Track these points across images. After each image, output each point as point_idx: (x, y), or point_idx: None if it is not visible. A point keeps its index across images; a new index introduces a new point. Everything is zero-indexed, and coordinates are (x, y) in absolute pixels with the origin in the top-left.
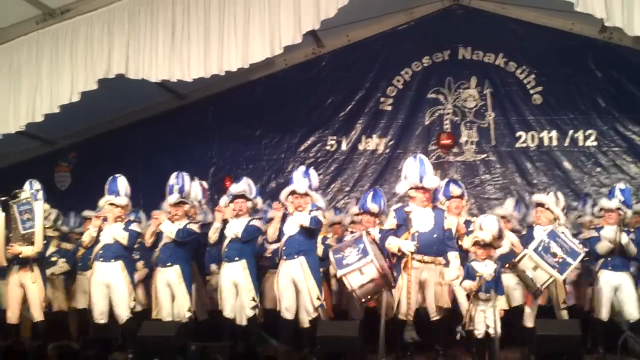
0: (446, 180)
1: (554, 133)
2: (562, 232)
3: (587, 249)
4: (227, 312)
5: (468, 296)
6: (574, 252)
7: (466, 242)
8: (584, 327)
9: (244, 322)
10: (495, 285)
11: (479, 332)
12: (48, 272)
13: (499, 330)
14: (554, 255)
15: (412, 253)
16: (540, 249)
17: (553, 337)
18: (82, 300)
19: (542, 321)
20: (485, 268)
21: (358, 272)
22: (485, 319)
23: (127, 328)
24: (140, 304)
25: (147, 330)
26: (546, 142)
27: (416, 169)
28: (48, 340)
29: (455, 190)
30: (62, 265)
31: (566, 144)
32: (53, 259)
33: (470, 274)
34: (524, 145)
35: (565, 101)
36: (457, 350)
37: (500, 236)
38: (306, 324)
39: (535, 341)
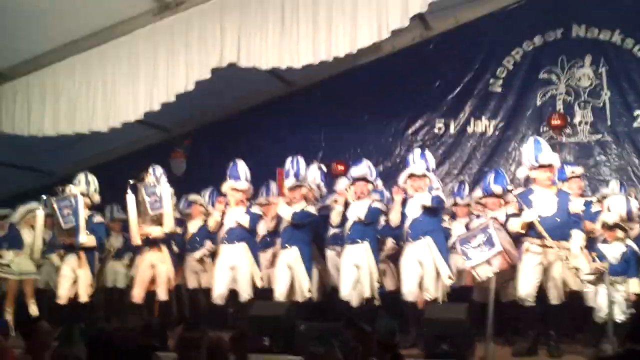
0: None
1: None
2: None
3: None
4: (344, 295)
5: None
6: None
7: (596, 224)
8: None
9: (360, 303)
10: (624, 268)
11: (601, 317)
12: None
13: (612, 314)
14: None
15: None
16: None
17: None
18: (192, 280)
19: None
20: (612, 251)
21: (486, 263)
22: (612, 304)
23: (244, 307)
24: None
25: (258, 310)
26: None
27: (531, 150)
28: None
29: (576, 170)
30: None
31: None
32: None
33: (599, 257)
34: None
35: None
36: (572, 336)
37: (630, 218)
38: (420, 306)
39: None
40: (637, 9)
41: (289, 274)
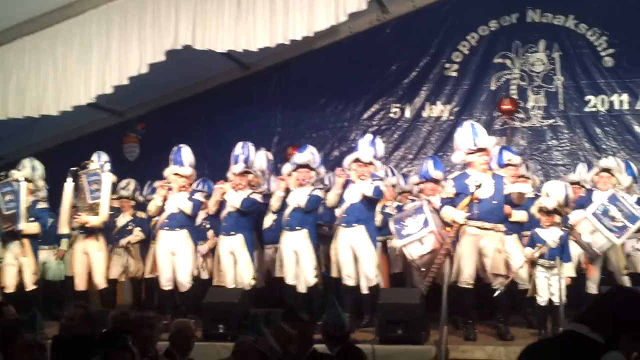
0: (498, 147)
1: (625, 96)
2: (622, 197)
3: None
4: (290, 280)
5: (533, 263)
6: (634, 216)
7: (532, 209)
8: None
9: (304, 290)
10: (560, 253)
11: (542, 300)
12: (124, 241)
13: (563, 298)
14: (613, 219)
15: (461, 225)
16: (599, 212)
17: None
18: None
19: (605, 288)
20: (550, 235)
21: (418, 242)
22: (550, 287)
23: (189, 295)
24: (209, 272)
25: (212, 297)
26: (617, 106)
27: (468, 134)
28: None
29: (513, 158)
30: (137, 234)
31: (637, 108)
32: (129, 228)
33: (534, 241)
34: (594, 109)
35: (637, 63)
36: (519, 318)
37: (567, 203)
38: (365, 291)
39: None
40: None
41: (233, 260)
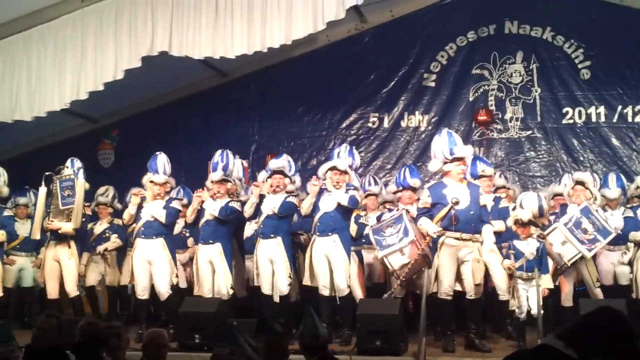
0: (472, 157)
1: (602, 109)
2: (596, 210)
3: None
4: (266, 289)
5: (510, 276)
6: (605, 230)
7: (508, 221)
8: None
9: (277, 299)
10: (538, 264)
11: (521, 312)
12: (101, 248)
13: (540, 309)
14: (585, 231)
15: (434, 236)
16: (571, 224)
17: None
18: (127, 275)
19: (585, 301)
20: (527, 247)
21: (399, 253)
22: (528, 299)
23: (168, 304)
24: (188, 281)
25: (188, 307)
26: (594, 119)
27: (445, 143)
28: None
29: (487, 169)
30: (114, 241)
31: (614, 120)
32: (106, 235)
33: (514, 254)
34: (571, 121)
35: (614, 76)
36: (493, 328)
37: (541, 214)
38: (337, 301)
39: None
40: (568, 6)
41: (211, 270)
